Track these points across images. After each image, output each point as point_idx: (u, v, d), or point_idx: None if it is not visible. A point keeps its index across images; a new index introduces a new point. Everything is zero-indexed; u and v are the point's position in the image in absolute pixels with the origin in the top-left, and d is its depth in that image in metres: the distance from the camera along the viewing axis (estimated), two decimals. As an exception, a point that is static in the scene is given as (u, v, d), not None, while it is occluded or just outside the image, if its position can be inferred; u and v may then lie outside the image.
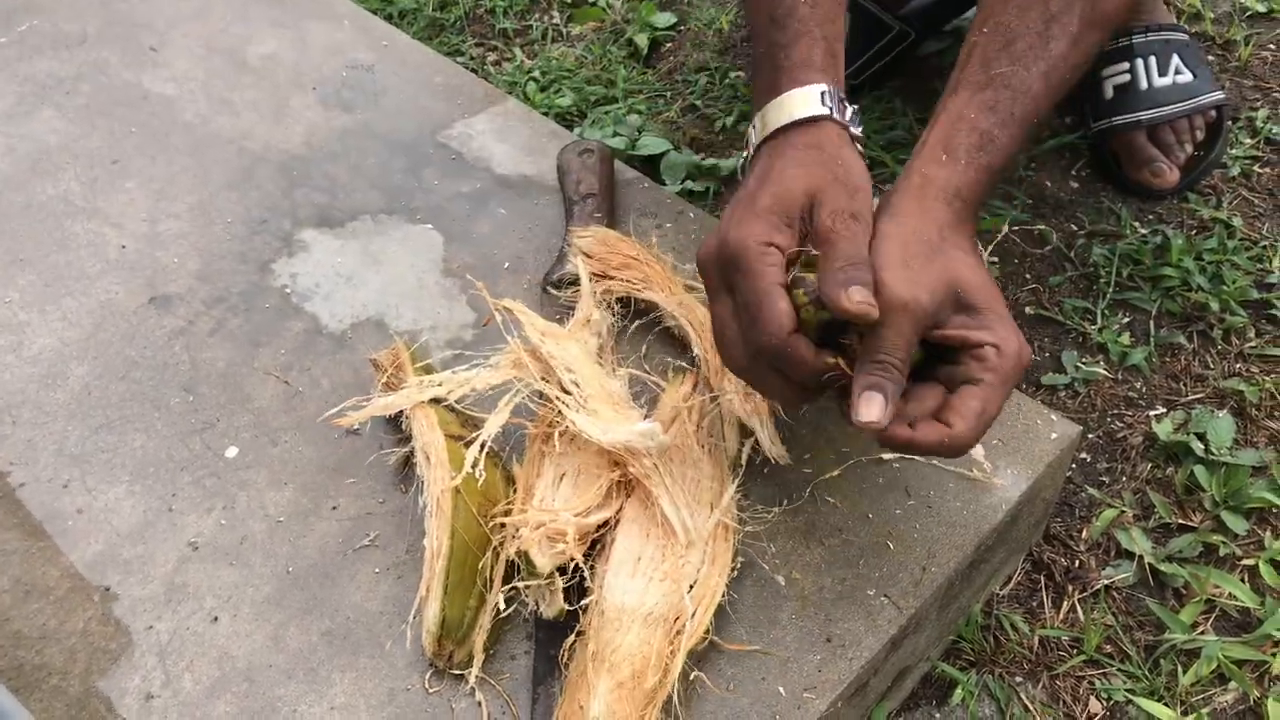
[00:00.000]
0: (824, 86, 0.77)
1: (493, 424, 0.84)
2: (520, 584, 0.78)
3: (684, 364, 0.96)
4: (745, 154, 0.83)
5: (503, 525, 0.81)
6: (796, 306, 0.69)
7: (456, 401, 0.88)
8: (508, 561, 0.80)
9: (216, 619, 0.82)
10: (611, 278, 0.99)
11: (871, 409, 0.68)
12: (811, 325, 0.70)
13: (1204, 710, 0.90)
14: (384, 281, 1.05)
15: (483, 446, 0.82)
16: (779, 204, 0.72)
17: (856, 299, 0.66)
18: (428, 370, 0.91)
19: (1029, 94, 0.76)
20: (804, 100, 0.77)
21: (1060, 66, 0.77)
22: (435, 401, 0.88)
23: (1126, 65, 1.29)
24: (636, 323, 0.99)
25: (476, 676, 0.77)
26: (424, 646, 0.78)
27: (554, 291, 1.00)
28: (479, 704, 0.76)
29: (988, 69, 0.76)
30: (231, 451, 0.92)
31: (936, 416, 0.70)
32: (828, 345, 0.70)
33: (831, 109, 0.76)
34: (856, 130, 0.78)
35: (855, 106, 0.79)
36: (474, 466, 0.81)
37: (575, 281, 1.00)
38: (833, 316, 0.68)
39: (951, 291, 0.70)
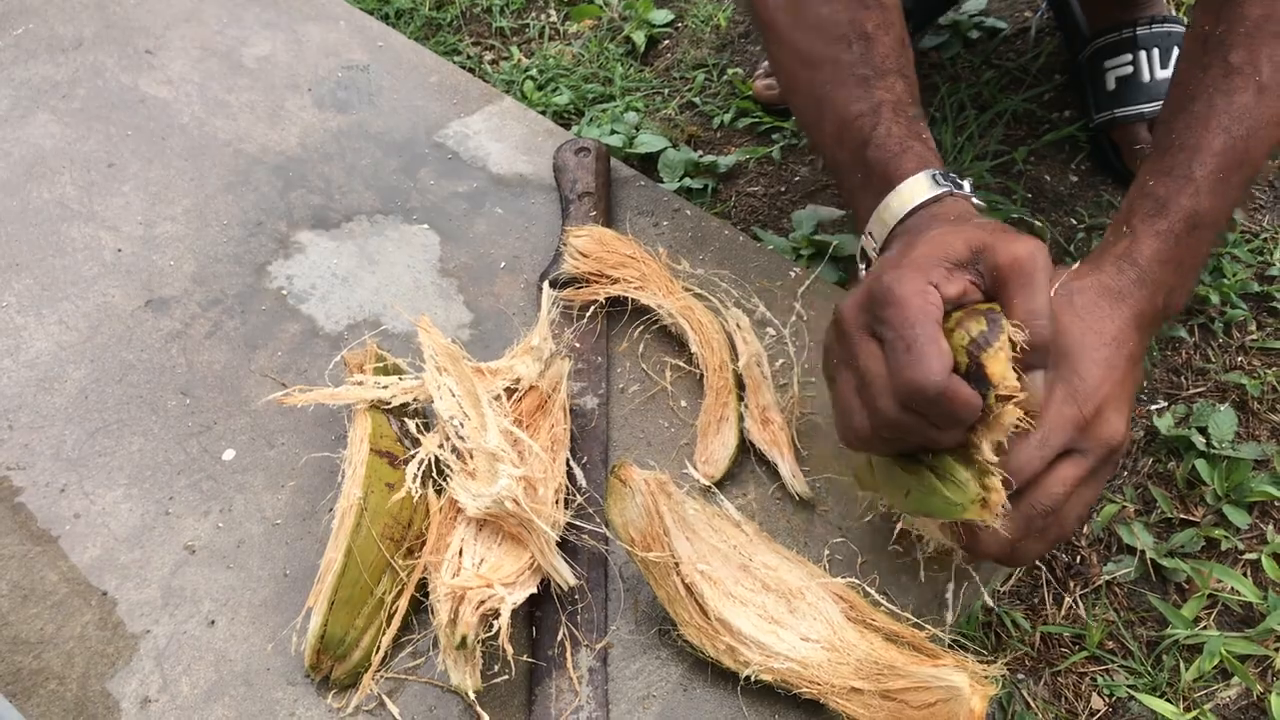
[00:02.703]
0: (935, 170, 0.76)
1: (427, 446, 0.84)
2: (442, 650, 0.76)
3: (681, 362, 0.96)
4: (862, 267, 0.82)
5: (410, 552, 0.80)
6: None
7: (409, 408, 0.88)
8: (414, 600, 0.80)
9: (214, 622, 0.82)
10: (608, 276, 0.99)
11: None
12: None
13: (1206, 706, 0.90)
14: (380, 282, 1.05)
15: (418, 470, 0.82)
16: (937, 252, 0.68)
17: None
18: (393, 371, 0.91)
19: (1211, 152, 0.73)
20: (917, 187, 0.76)
21: (1248, 118, 0.74)
22: (385, 407, 0.87)
23: (1129, 57, 1.28)
24: (634, 320, 0.99)
25: (357, 702, 0.77)
26: (304, 657, 0.77)
27: (552, 290, 1.00)
28: None
29: (1168, 134, 0.76)
30: (229, 454, 0.92)
31: None
32: None
33: (949, 187, 0.76)
34: (978, 202, 0.77)
35: (969, 181, 0.78)
36: (391, 486, 0.81)
37: (572, 281, 1.00)
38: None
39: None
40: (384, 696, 0.77)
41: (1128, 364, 0.70)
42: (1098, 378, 0.68)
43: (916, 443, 0.68)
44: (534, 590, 0.77)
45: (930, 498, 0.68)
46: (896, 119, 0.79)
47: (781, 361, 0.95)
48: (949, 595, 0.83)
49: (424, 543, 0.81)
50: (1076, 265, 0.75)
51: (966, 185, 0.78)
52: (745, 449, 0.89)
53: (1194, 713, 0.89)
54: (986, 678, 0.71)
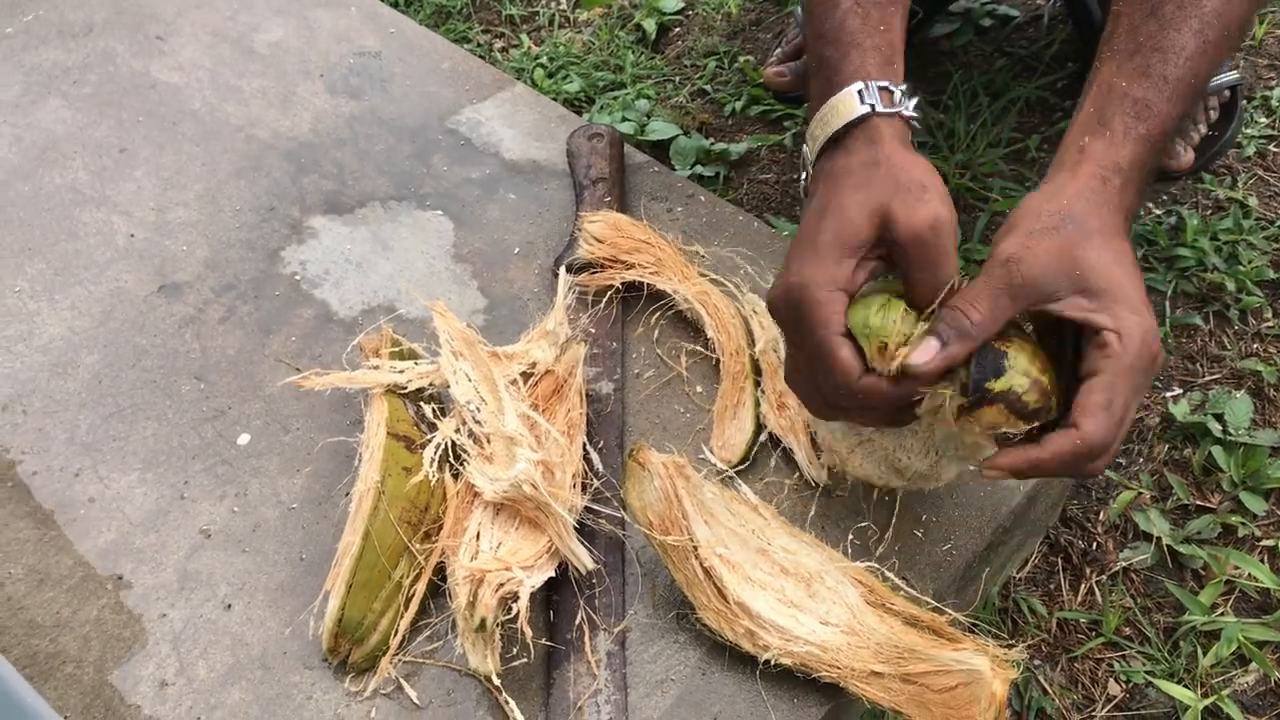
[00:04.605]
0: (860, 84, 0.74)
1: (444, 430, 0.83)
2: (459, 632, 0.76)
3: (697, 348, 0.96)
4: (803, 174, 0.80)
5: (427, 536, 0.80)
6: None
7: (425, 393, 0.88)
8: (431, 584, 0.80)
9: (230, 606, 0.81)
10: (623, 262, 0.98)
11: (919, 353, 0.67)
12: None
13: (1224, 692, 0.89)
14: (394, 268, 1.05)
15: (435, 454, 0.82)
16: (841, 238, 0.70)
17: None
18: (409, 355, 0.91)
19: (1183, 54, 0.71)
20: (845, 104, 0.74)
21: (1215, 22, 0.72)
22: (401, 391, 0.87)
23: (1140, 45, 1.27)
24: (651, 305, 0.98)
25: (374, 686, 0.76)
26: (321, 641, 0.77)
27: (568, 275, 0.99)
28: (370, 713, 0.76)
29: (1135, 35, 0.73)
30: (243, 439, 0.91)
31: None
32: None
33: (874, 104, 0.73)
34: (909, 113, 0.75)
35: (902, 88, 0.75)
36: (408, 470, 0.81)
37: (587, 266, 0.99)
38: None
39: (1070, 268, 0.66)
40: (401, 680, 0.77)
41: (1140, 275, 0.69)
42: (1143, 307, 0.66)
43: (867, 415, 0.72)
44: (552, 574, 0.76)
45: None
46: (858, 5, 0.77)
47: (797, 347, 0.95)
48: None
49: (441, 527, 0.81)
50: (1052, 178, 0.71)
51: (898, 93, 0.74)
52: (763, 434, 0.89)
53: (1211, 699, 0.89)
54: (1007, 661, 0.71)
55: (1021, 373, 0.66)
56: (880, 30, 0.77)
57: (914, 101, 0.75)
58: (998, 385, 0.66)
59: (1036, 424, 0.67)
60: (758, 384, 0.90)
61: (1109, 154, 0.70)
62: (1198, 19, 0.72)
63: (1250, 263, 1.18)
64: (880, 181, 0.70)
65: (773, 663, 0.73)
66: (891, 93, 0.74)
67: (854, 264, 0.70)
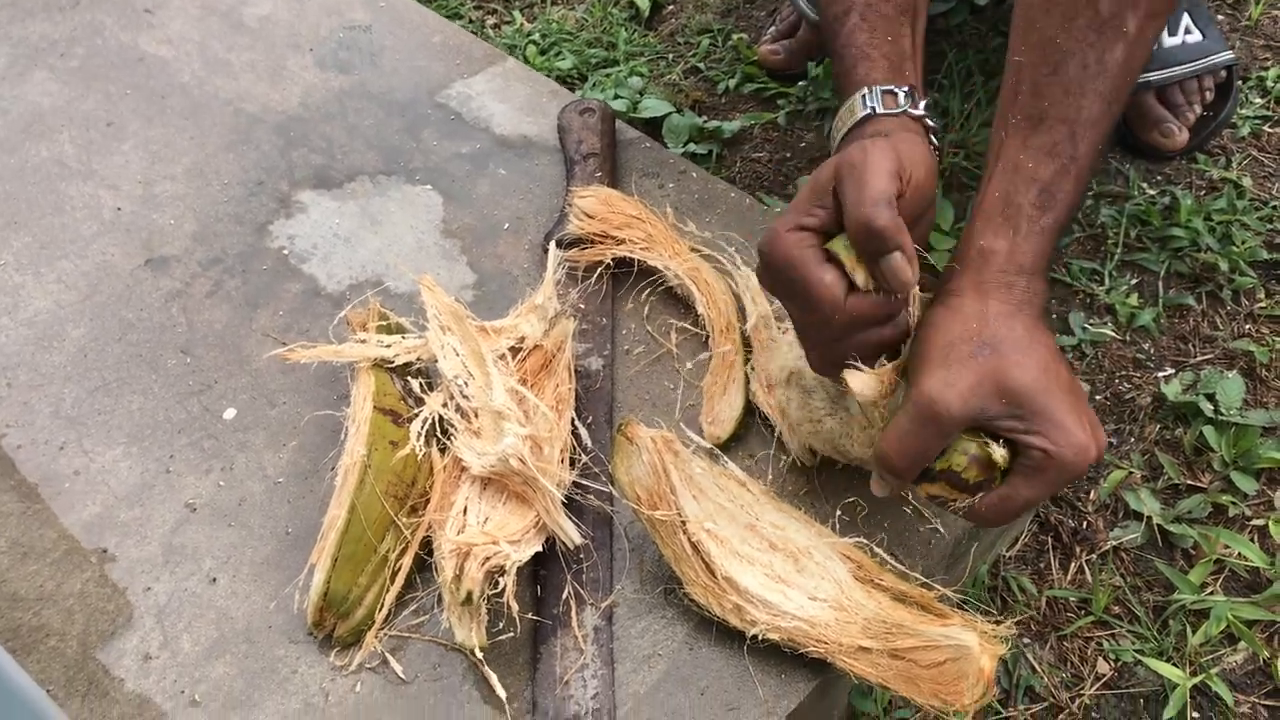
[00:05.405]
0: (863, 90, 0.78)
1: (431, 405, 0.83)
2: (445, 606, 0.75)
3: (687, 324, 0.95)
4: None
5: (413, 510, 0.79)
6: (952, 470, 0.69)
7: (412, 368, 0.87)
8: (417, 559, 0.79)
9: (215, 580, 0.81)
10: (613, 237, 0.98)
11: (876, 489, 0.74)
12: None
13: (1213, 670, 0.89)
14: (383, 242, 1.04)
15: (422, 428, 0.81)
16: (809, 190, 0.69)
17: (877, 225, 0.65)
18: (396, 330, 0.90)
19: (1090, 124, 0.70)
20: (849, 111, 0.79)
21: (1120, 76, 0.70)
22: (388, 365, 0.86)
23: (1136, 24, 1.27)
24: (641, 281, 0.98)
25: (360, 660, 0.76)
26: (306, 615, 0.77)
27: (557, 250, 0.99)
28: (355, 687, 0.75)
29: (1039, 98, 0.70)
30: (230, 413, 0.91)
31: None
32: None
33: (874, 106, 0.77)
34: (917, 112, 0.78)
35: (906, 89, 0.78)
36: (394, 444, 0.80)
37: (577, 241, 0.99)
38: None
39: (996, 394, 0.66)
40: (387, 654, 0.76)
41: (1068, 376, 0.69)
42: (1073, 423, 0.66)
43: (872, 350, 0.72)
44: (539, 548, 0.76)
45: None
46: (864, 21, 0.81)
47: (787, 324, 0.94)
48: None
49: (427, 501, 0.80)
50: (958, 286, 0.71)
51: (901, 95, 0.78)
52: (752, 411, 0.88)
53: (1200, 677, 0.89)
54: (995, 637, 0.70)
55: (960, 451, 0.68)
56: (888, 41, 0.81)
57: (924, 102, 0.78)
58: (939, 464, 0.69)
59: (980, 493, 0.69)
60: (748, 361, 0.90)
61: (1012, 259, 0.70)
62: (1104, 79, 0.70)
63: (1244, 243, 1.17)
64: (853, 145, 0.70)
65: (760, 638, 0.73)
66: (895, 95, 0.78)
67: (820, 211, 0.68)
